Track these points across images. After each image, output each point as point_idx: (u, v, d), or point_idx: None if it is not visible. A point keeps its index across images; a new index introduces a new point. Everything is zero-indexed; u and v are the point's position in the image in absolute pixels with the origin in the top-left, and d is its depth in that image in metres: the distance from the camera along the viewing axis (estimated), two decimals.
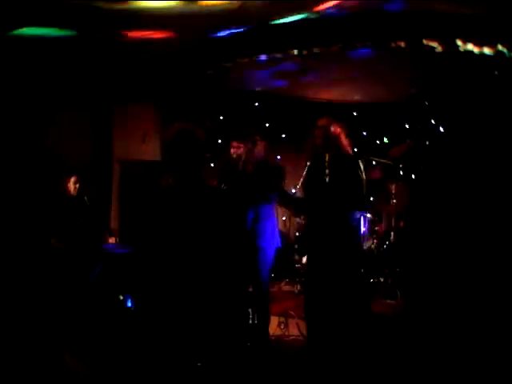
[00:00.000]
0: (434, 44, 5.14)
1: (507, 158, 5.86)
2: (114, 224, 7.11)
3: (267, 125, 7.68)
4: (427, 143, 7.12)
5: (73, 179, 5.87)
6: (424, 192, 7.00)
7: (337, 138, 4.31)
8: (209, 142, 2.96)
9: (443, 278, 5.91)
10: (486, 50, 5.18)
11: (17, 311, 4.22)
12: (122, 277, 5.31)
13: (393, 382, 4.06)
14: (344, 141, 4.33)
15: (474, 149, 6.27)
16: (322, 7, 4.65)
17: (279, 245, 4.93)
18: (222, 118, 7.54)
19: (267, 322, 4.91)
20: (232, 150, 5.04)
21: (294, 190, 4.53)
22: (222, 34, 5.26)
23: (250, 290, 4.93)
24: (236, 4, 4.59)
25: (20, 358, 3.74)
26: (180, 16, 4.73)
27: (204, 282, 2.80)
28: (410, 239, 6.78)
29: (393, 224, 6.88)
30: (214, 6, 4.65)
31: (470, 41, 5.11)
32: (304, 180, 4.34)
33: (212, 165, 5.79)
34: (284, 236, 6.57)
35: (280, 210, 6.52)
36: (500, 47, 5.15)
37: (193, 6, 4.53)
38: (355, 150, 4.50)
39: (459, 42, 5.10)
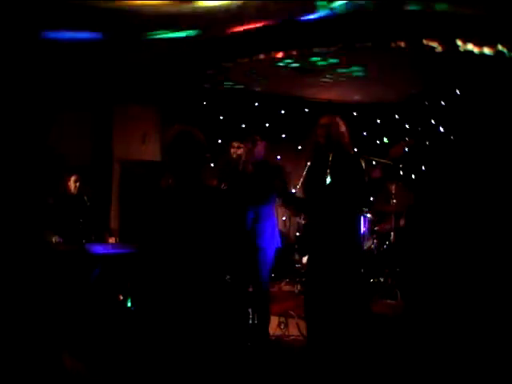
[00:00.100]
0: (434, 44, 5.14)
1: (507, 157, 5.86)
2: (113, 224, 7.11)
3: (267, 125, 7.68)
4: (427, 143, 7.12)
5: (73, 178, 5.88)
6: (424, 192, 7.01)
7: (340, 136, 4.19)
8: (208, 142, 2.96)
9: (443, 278, 5.92)
10: (486, 50, 5.18)
11: (16, 311, 4.22)
12: (122, 277, 5.31)
13: (393, 382, 4.06)
14: (347, 140, 4.23)
15: (474, 149, 6.27)
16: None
17: (279, 245, 4.94)
18: (221, 117, 7.54)
19: (267, 322, 4.92)
20: (232, 150, 5.04)
21: (293, 190, 4.52)
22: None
23: (250, 289, 4.93)
24: (236, 4, 4.59)
25: (19, 358, 3.74)
26: (183, 16, 4.74)
27: (204, 282, 2.80)
28: (411, 239, 6.78)
29: (393, 224, 6.88)
30: (214, 5, 4.65)
31: (470, 41, 5.11)
32: (304, 180, 4.31)
33: (212, 165, 5.80)
34: (284, 236, 6.57)
35: (280, 210, 6.53)
36: (500, 47, 5.15)
37: (193, 6, 4.53)
38: (355, 149, 4.47)
39: (459, 42, 5.10)
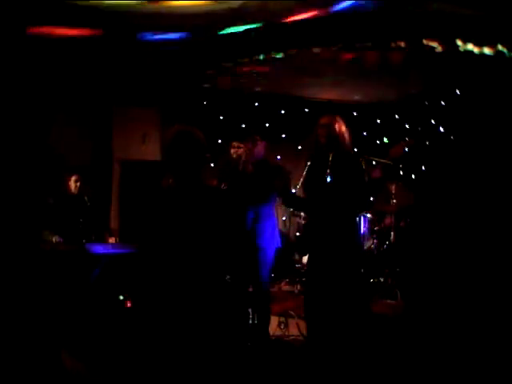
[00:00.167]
0: (434, 44, 5.13)
1: (507, 157, 5.86)
2: (113, 224, 7.11)
3: (267, 125, 7.68)
4: (427, 143, 7.12)
5: (73, 178, 5.88)
6: (424, 192, 7.01)
7: (341, 136, 4.16)
8: (208, 142, 2.96)
9: (443, 278, 5.92)
10: (486, 50, 5.18)
11: (15, 311, 4.22)
12: (122, 277, 5.31)
13: (393, 382, 4.06)
14: (348, 139, 4.20)
15: (474, 149, 6.27)
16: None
17: (279, 245, 4.94)
18: (221, 117, 7.54)
19: (267, 322, 4.92)
20: (232, 150, 5.04)
21: (293, 190, 4.52)
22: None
23: (250, 290, 4.93)
24: (236, 4, 4.59)
25: (18, 358, 3.74)
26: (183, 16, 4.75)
27: (204, 282, 2.80)
28: (411, 239, 6.78)
29: (393, 224, 6.88)
30: (214, 5, 4.65)
31: (469, 41, 5.11)
32: (304, 180, 4.30)
33: (212, 165, 5.80)
34: (284, 236, 6.57)
35: (280, 210, 6.53)
36: (500, 47, 5.15)
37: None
38: (355, 150, 4.46)
39: (459, 42, 5.10)
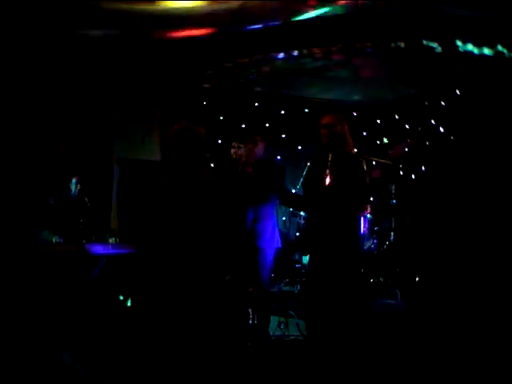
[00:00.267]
0: (434, 44, 5.14)
1: (507, 157, 5.86)
2: (114, 224, 7.11)
3: (267, 125, 7.68)
4: (427, 143, 7.12)
5: (74, 180, 5.88)
6: (425, 192, 7.01)
7: (343, 136, 4.14)
8: (209, 141, 2.96)
9: (443, 278, 5.92)
10: (486, 50, 5.18)
11: (15, 311, 4.22)
12: (122, 277, 5.31)
13: (393, 382, 4.06)
14: (350, 140, 4.18)
15: (475, 149, 6.27)
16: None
17: (279, 245, 4.93)
18: (221, 118, 7.54)
19: (267, 322, 4.91)
20: (232, 150, 5.04)
21: (293, 190, 4.52)
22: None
23: (250, 290, 4.92)
24: (236, 4, 4.59)
25: (18, 359, 3.74)
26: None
27: (204, 282, 2.80)
28: (411, 239, 6.78)
29: (393, 224, 6.88)
30: (214, 5, 4.66)
31: (469, 41, 5.11)
32: (304, 180, 4.29)
33: (212, 165, 5.80)
34: (284, 236, 6.57)
35: (280, 210, 6.53)
36: (500, 47, 5.15)
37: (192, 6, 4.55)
38: (355, 150, 4.46)
39: (459, 42, 5.10)
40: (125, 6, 4.69)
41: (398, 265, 6.64)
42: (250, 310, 5.02)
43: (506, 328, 4.63)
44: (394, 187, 6.90)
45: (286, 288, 7.06)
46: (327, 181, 4.01)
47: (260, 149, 4.95)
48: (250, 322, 5.00)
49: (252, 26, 5.15)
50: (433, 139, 7.05)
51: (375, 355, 4.17)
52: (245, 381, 4.05)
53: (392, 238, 6.85)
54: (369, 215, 6.87)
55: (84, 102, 6.82)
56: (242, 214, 4.75)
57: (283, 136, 7.88)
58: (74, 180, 5.89)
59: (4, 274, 4.43)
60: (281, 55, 5.61)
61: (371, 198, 5.87)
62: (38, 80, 6.16)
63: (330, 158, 4.07)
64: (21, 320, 4.15)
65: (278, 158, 7.08)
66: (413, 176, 7.35)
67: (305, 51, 5.50)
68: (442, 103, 6.87)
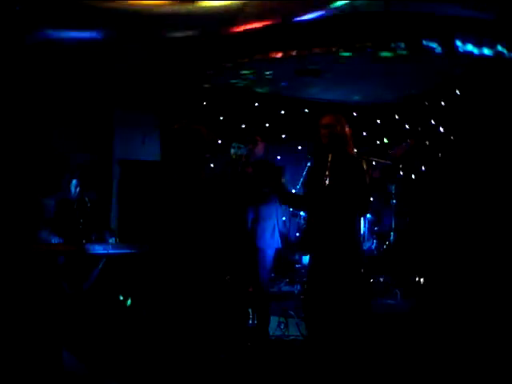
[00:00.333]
0: (434, 44, 5.14)
1: (507, 157, 5.86)
2: (114, 224, 7.11)
3: (267, 125, 7.68)
4: (427, 143, 7.12)
5: (74, 180, 5.88)
6: (425, 192, 7.01)
7: (343, 136, 4.12)
8: (213, 141, 2.97)
9: (444, 278, 5.92)
10: (486, 50, 5.18)
11: (15, 311, 4.22)
12: (122, 277, 5.31)
13: (392, 382, 4.06)
14: (350, 140, 4.16)
15: (475, 149, 6.27)
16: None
17: (279, 245, 4.93)
18: (221, 118, 7.54)
19: (267, 322, 4.92)
20: (232, 151, 5.03)
21: (293, 190, 4.51)
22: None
23: (250, 290, 4.93)
24: (237, 4, 4.60)
25: (18, 359, 3.74)
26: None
27: (204, 282, 2.80)
28: (411, 239, 6.79)
29: (393, 224, 6.88)
30: (214, 5, 4.66)
31: (469, 41, 5.11)
32: (304, 181, 4.28)
33: (212, 165, 5.80)
34: (284, 236, 6.57)
35: (280, 210, 6.53)
36: (500, 47, 5.15)
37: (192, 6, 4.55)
38: (355, 150, 4.45)
39: (459, 42, 5.10)
40: (124, 6, 4.70)
41: (398, 265, 6.64)
42: (249, 310, 5.02)
43: (506, 329, 4.63)
44: (394, 187, 6.91)
45: (286, 288, 7.07)
46: (327, 181, 4.01)
47: (260, 149, 4.95)
48: (250, 321, 5.00)
49: (252, 26, 5.15)
50: (433, 139, 7.05)
51: (375, 355, 4.17)
52: (245, 381, 4.05)
53: (392, 237, 6.85)
54: (369, 215, 6.88)
55: (84, 102, 6.83)
56: (242, 214, 4.75)
57: (283, 136, 7.88)
58: (74, 181, 5.89)
59: (4, 274, 4.44)
60: (279, 55, 5.61)
61: (371, 198, 5.89)
62: (37, 80, 6.16)
63: (329, 159, 4.06)
64: (20, 320, 4.15)
65: (278, 158, 7.07)
66: (413, 176, 7.36)
67: (305, 51, 5.49)
68: (442, 103, 6.87)
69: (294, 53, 5.45)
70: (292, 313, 5.40)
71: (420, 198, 7.03)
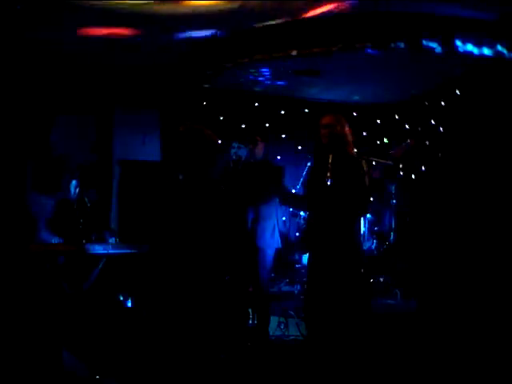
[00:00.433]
0: (434, 44, 5.13)
1: (507, 157, 5.86)
2: (114, 224, 7.11)
3: (267, 125, 7.67)
4: (427, 143, 7.12)
5: (74, 181, 5.88)
6: (425, 191, 7.01)
7: (344, 136, 4.12)
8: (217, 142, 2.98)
9: (444, 278, 5.92)
10: (486, 50, 5.18)
11: (14, 312, 4.22)
12: (122, 277, 5.31)
13: (392, 382, 4.06)
14: (350, 140, 4.17)
15: (475, 149, 6.27)
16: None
17: (279, 245, 4.94)
18: (221, 118, 7.54)
19: (267, 322, 4.92)
20: (232, 151, 5.04)
21: (293, 190, 4.51)
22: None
23: (250, 290, 4.93)
24: (236, 4, 4.60)
25: (18, 359, 3.74)
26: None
27: (204, 283, 2.80)
28: (411, 239, 6.78)
29: (393, 224, 6.88)
30: (214, 5, 4.66)
31: (469, 41, 5.11)
32: (304, 181, 4.28)
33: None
34: (284, 236, 6.57)
35: (280, 210, 6.53)
36: (500, 47, 5.15)
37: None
38: (355, 150, 4.45)
39: (459, 42, 5.10)
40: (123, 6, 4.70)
41: (398, 265, 6.64)
42: (249, 310, 5.02)
43: (506, 329, 4.62)
44: (394, 187, 6.91)
45: (286, 288, 7.07)
46: (329, 182, 4.00)
47: (260, 149, 4.95)
48: (250, 321, 5.00)
49: (251, 26, 5.16)
50: (433, 139, 7.05)
51: (375, 355, 4.17)
52: (245, 381, 4.05)
53: (392, 237, 6.85)
54: (369, 215, 6.88)
55: (84, 102, 6.83)
56: (242, 214, 4.75)
57: (283, 136, 7.88)
58: (74, 181, 5.89)
59: (3, 274, 4.44)
60: (280, 55, 5.60)
61: (371, 198, 5.88)
62: (37, 79, 6.17)
63: (330, 159, 4.06)
64: (21, 320, 4.15)
65: (278, 157, 7.07)
66: (413, 176, 7.36)
67: (305, 51, 5.49)
68: (442, 103, 6.87)
69: (293, 53, 5.44)
70: (292, 313, 5.40)
71: (420, 197, 7.02)
